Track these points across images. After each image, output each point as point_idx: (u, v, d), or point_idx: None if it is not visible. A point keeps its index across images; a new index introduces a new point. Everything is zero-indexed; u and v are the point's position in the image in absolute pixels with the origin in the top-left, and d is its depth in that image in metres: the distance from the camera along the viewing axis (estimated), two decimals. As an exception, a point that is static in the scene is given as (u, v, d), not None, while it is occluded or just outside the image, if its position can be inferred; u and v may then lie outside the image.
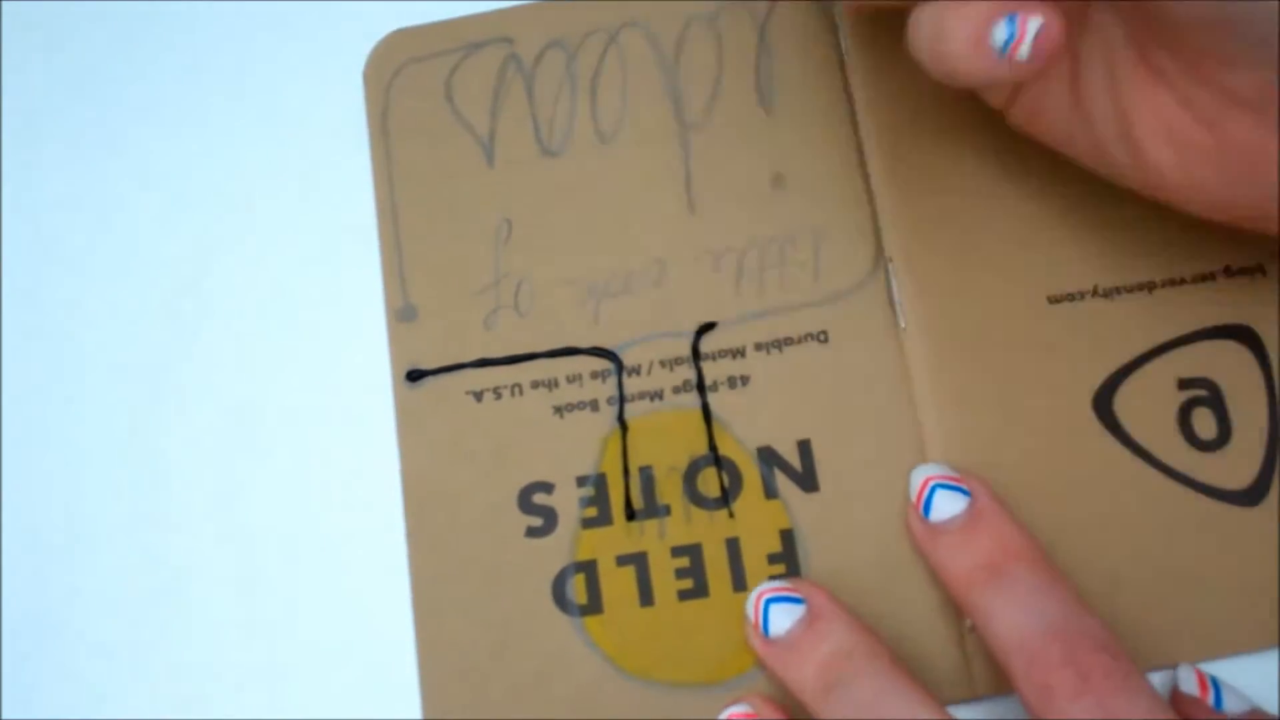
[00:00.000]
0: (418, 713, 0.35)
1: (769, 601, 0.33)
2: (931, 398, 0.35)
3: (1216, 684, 0.32)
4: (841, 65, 0.39)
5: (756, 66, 0.39)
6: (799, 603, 0.33)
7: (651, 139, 0.39)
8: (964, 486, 0.33)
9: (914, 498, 0.34)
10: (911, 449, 0.35)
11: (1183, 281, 0.36)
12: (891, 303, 0.36)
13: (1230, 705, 0.32)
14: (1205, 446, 0.34)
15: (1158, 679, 0.33)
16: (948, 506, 0.33)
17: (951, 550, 0.33)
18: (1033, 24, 0.29)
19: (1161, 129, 0.30)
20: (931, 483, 0.34)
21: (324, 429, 0.38)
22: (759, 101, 0.39)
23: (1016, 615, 0.30)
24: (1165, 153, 0.30)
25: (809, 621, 0.32)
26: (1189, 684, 0.32)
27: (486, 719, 0.34)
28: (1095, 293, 0.36)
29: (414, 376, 0.37)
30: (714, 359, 0.37)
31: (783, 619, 0.33)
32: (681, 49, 0.39)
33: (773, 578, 0.35)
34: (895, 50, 0.38)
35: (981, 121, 0.37)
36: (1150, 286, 0.36)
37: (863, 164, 0.38)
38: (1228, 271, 0.36)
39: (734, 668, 0.34)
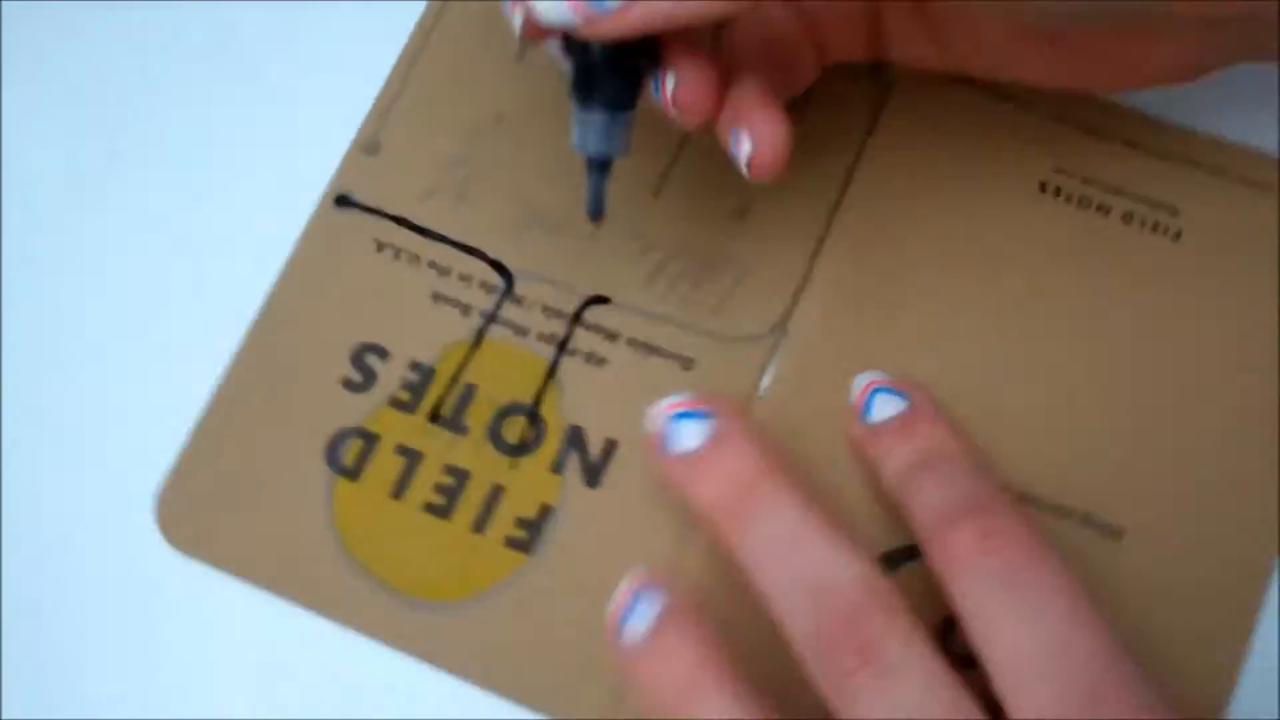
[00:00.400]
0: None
1: (676, 416, 0.33)
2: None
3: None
4: (859, 152, 0.38)
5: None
6: (705, 418, 0.33)
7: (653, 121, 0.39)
8: (904, 390, 0.34)
9: (854, 402, 0.35)
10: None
11: (1036, 501, 0.35)
12: (763, 369, 0.36)
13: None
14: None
15: None
16: (887, 408, 0.34)
17: (889, 447, 0.33)
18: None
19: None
20: (873, 387, 0.34)
21: (231, 229, 0.39)
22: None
23: (943, 491, 0.31)
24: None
25: (717, 440, 0.32)
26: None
27: (208, 524, 0.36)
28: (949, 469, 0.35)
29: (342, 202, 0.39)
30: (588, 329, 0.37)
31: (689, 435, 0.33)
32: None
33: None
34: (909, 171, 0.38)
35: (927, 284, 0.37)
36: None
37: (819, 245, 0.37)
38: (1087, 520, 0.35)
39: (431, 591, 0.35)
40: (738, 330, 0.37)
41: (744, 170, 0.32)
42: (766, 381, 0.36)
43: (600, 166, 0.33)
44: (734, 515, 0.31)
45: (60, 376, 0.38)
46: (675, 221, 0.38)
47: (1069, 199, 0.37)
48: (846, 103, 0.39)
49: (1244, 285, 0.36)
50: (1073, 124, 0.38)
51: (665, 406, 0.33)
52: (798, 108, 0.38)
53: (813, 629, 0.29)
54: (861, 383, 0.35)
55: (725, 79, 0.32)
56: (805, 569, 0.30)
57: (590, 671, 0.34)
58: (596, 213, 0.33)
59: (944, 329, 0.36)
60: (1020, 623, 0.28)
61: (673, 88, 0.31)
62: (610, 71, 0.31)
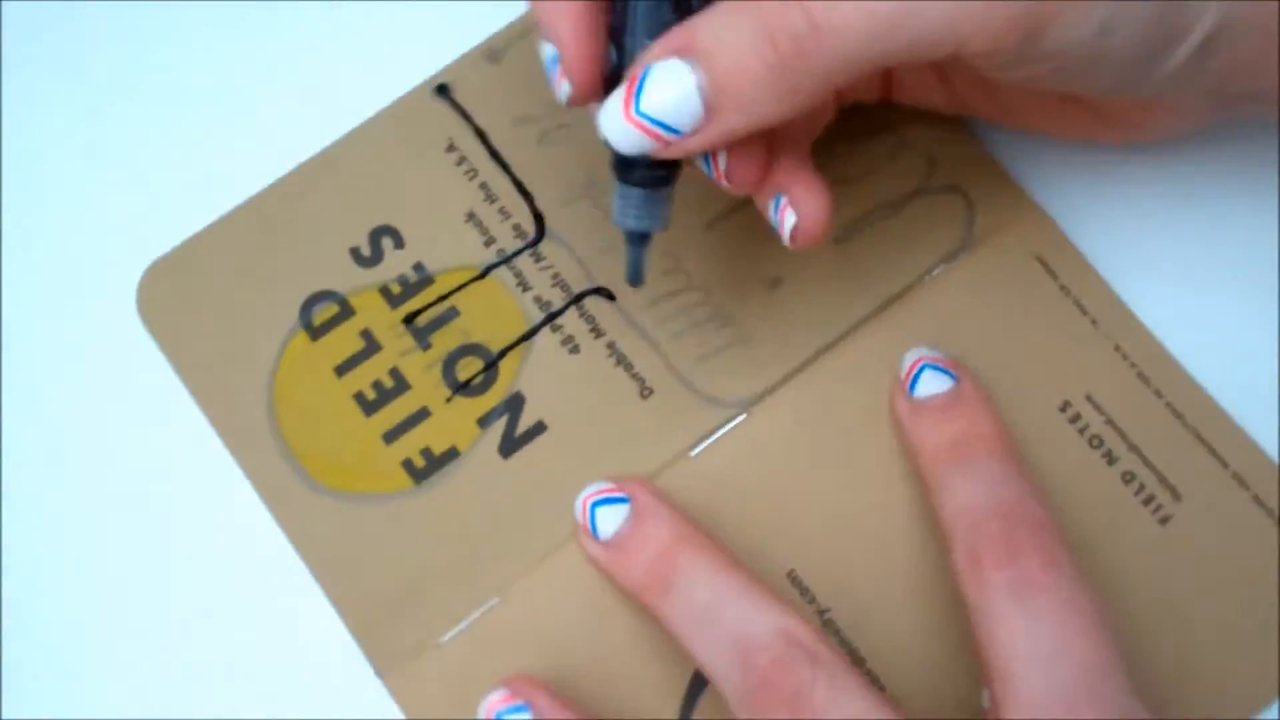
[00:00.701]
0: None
1: (595, 505, 0.34)
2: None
3: None
4: (913, 284, 0.37)
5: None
6: (624, 502, 0.34)
7: None
8: (952, 370, 0.35)
9: (902, 374, 0.35)
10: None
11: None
12: (709, 434, 0.36)
13: None
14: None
15: None
16: (933, 385, 0.34)
17: (929, 426, 0.34)
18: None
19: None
20: (922, 362, 0.35)
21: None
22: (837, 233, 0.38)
23: (972, 492, 0.32)
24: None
25: (634, 521, 0.33)
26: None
27: (178, 311, 0.38)
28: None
29: (441, 91, 0.40)
30: (581, 315, 0.37)
31: (609, 521, 0.34)
32: None
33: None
34: (950, 325, 0.37)
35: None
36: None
37: (825, 349, 0.37)
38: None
39: (315, 468, 0.36)
40: (708, 387, 0.37)
41: (785, 239, 0.32)
42: (704, 446, 0.36)
43: (639, 239, 0.32)
44: (656, 589, 0.32)
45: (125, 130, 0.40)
46: (711, 260, 0.38)
47: (1082, 431, 0.36)
48: (929, 232, 0.38)
49: (1209, 599, 0.35)
50: (1132, 361, 0.37)
51: (584, 497, 0.34)
52: (885, 216, 0.37)
53: (743, 689, 0.30)
54: (911, 357, 0.35)
55: (772, 151, 0.32)
56: (727, 631, 0.31)
57: (408, 611, 0.35)
58: (635, 281, 0.33)
59: (893, 483, 0.36)
60: (1022, 625, 0.29)
61: (725, 165, 0.31)
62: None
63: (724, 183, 0.31)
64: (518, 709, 0.33)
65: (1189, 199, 0.38)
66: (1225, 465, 0.36)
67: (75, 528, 0.37)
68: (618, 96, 0.29)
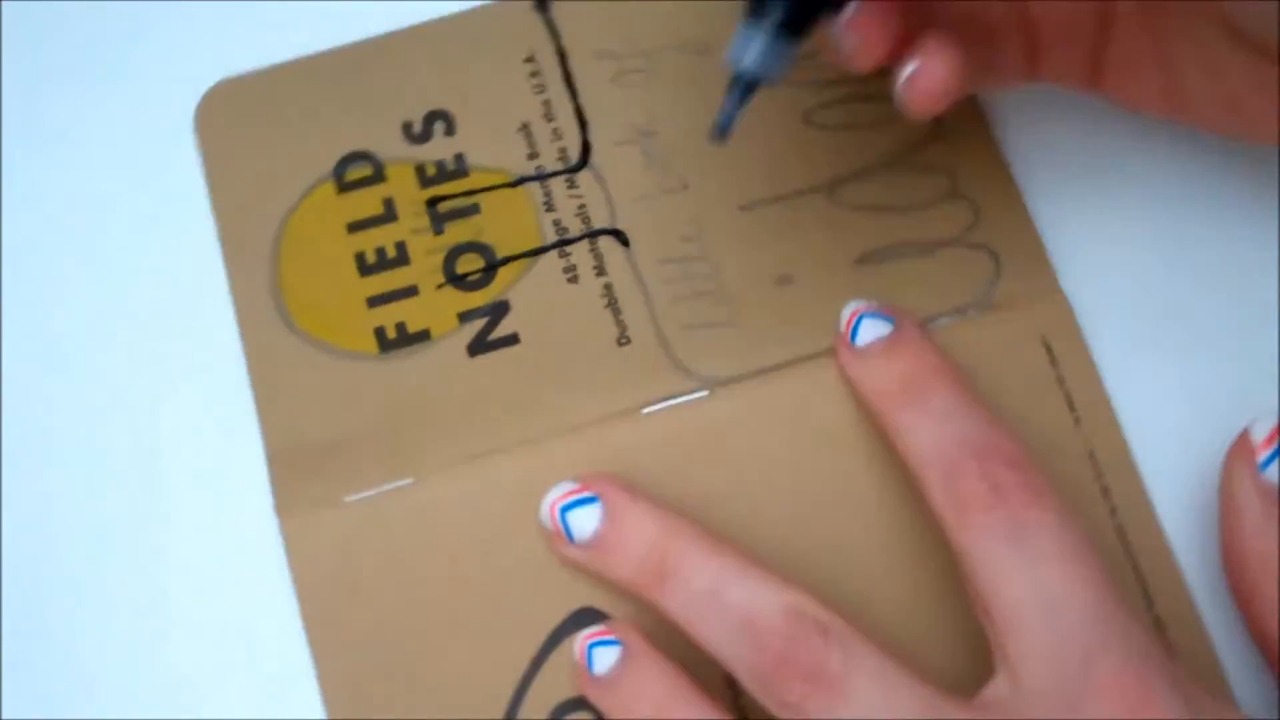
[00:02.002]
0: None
1: (564, 509, 0.34)
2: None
3: None
4: (927, 324, 0.37)
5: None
6: (594, 501, 0.33)
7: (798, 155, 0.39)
8: (890, 315, 0.35)
9: (842, 328, 0.35)
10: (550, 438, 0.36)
11: None
12: (668, 398, 0.36)
13: None
14: None
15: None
16: (873, 331, 0.35)
17: (874, 371, 0.34)
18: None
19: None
20: (859, 312, 0.35)
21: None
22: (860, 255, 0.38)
23: (933, 429, 0.32)
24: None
25: (611, 518, 0.33)
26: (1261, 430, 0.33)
27: (230, 130, 0.39)
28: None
29: (542, 5, 0.40)
30: (592, 250, 0.38)
31: (584, 522, 0.33)
32: None
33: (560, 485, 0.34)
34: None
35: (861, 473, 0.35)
36: None
37: (807, 359, 0.36)
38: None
39: (297, 310, 0.37)
40: (683, 355, 0.37)
41: (899, 94, 0.30)
42: (660, 407, 0.36)
43: (745, 88, 0.29)
44: (654, 585, 0.32)
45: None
46: (732, 240, 0.38)
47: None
48: (950, 283, 0.37)
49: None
50: (1100, 472, 0.36)
51: (550, 502, 0.34)
52: (915, 254, 0.37)
53: (758, 671, 0.30)
54: (848, 311, 0.35)
55: (908, 30, 0.30)
56: (734, 616, 0.30)
57: (327, 465, 0.35)
58: (723, 133, 0.30)
59: (839, 509, 0.35)
60: (1023, 573, 0.29)
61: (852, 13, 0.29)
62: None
63: (848, 38, 0.30)
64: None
65: (1219, 314, 0.37)
66: (1151, 606, 0.34)
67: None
68: None
